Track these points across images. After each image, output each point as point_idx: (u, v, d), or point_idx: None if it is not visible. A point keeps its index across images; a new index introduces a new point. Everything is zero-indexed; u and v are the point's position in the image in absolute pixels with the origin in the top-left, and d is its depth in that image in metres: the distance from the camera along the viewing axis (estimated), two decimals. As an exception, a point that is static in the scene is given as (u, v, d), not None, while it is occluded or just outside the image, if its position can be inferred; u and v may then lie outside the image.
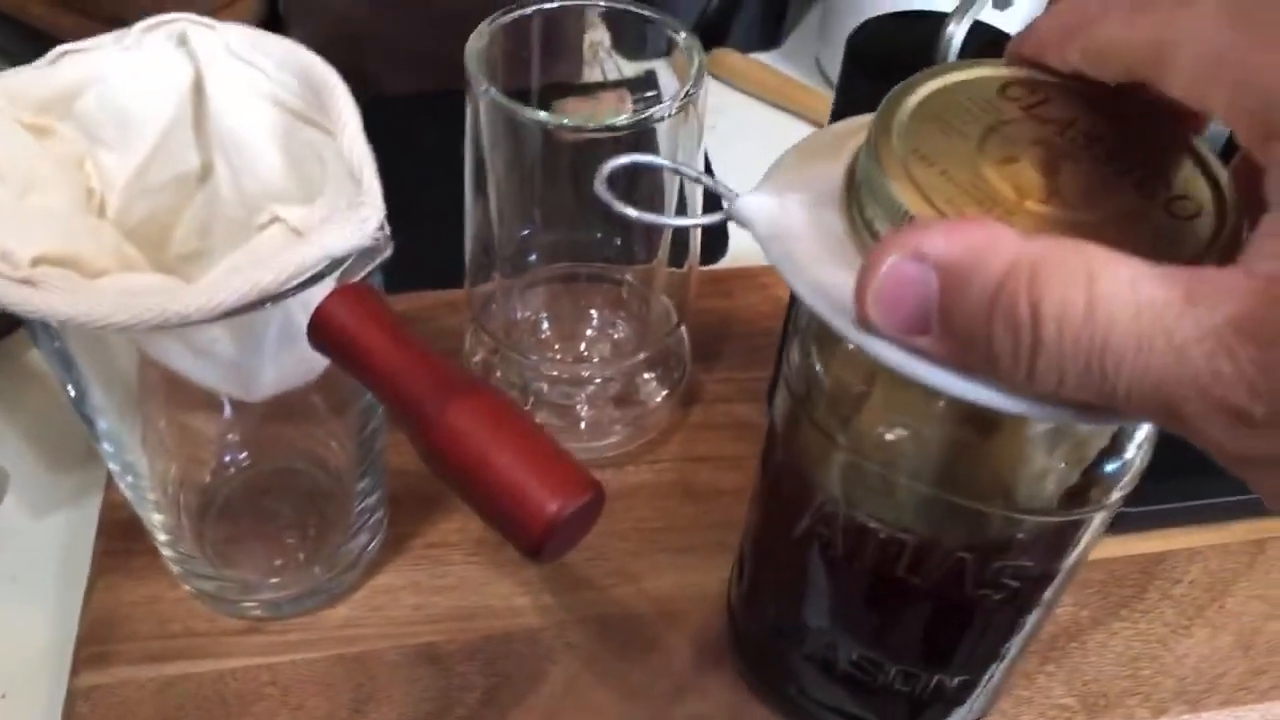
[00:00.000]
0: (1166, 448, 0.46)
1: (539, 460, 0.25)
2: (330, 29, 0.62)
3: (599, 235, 0.44)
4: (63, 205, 0.30)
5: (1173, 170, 0.24)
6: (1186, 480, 0.46)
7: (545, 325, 0.47)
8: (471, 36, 0.36)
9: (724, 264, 0.56)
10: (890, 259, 0.20)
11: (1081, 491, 0.28)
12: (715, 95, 0.69)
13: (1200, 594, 0.44)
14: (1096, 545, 0.44)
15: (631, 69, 0.71)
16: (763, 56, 0.72)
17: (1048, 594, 0.31)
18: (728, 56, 0.70)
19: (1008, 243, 0.19)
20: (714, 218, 0.26)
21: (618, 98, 0.57)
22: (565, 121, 0.36)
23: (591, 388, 0.47)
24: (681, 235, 0.43)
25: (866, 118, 0.30)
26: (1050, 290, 0.18)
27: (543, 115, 0.35)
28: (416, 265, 0.43)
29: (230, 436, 0.41)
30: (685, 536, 0.44)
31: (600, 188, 0.26)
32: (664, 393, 0.47)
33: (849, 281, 0.23)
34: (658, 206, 0.41)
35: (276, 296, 0.28)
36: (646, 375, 0.47)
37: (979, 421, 0.27)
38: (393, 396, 0.26)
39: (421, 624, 0.40)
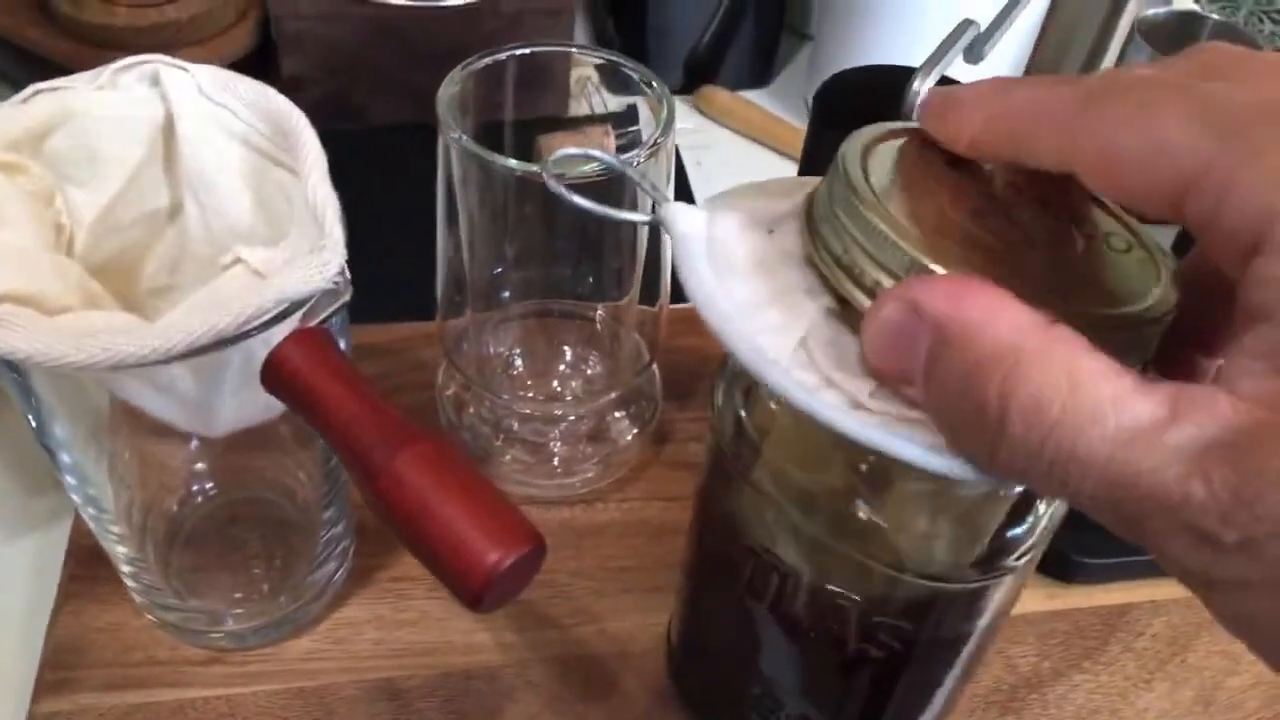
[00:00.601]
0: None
1: (481, 510, 0.25)
2: (321, 59, 0.63)
3: (571, 272, 0.44)
4: (28, 243, 0.30)
5: (1093, 215, 0.25)
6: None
7: (518, 362, 0.47)
8: (444, 82, 0.37)
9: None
10: (891, 306, 0.21)
11: (986, 561, 0.28)
12: (702, 132, 0.70)
13: (1162, 648, 0.44)
14: (1058, 597, 0.45)
15: (615, 103, 0.72)
16: (752, 94, 0.73)
17: (960, 656, 0.31)
18: (716, 94, 0.70)
19: (1005, 320, 0.19)
20: (644, 217, 0.28)
21: (602, 132, 0.58)
22: (534, 169, 0.36)
23: (564, 425, 0.47)
24: (653, 272, 0.43)
25: (817, 179, 0.30)
26: (1024, 386, 0.18)
27: (512, 163, 0.36)
28: (401, 294, 0.44)
29: (197, 466, 0.41)
30: (651, 576, 0.44)
31: (549, 178, 0.27)
32: (634, 431, 0.47)
33: (751, 293, 0.24)
34: (626, 237, 0.42)
35: (233, 339, 0.28)
36: (618, 414, 0.47)
37: (867, 473, 0.27)
38: (341, 442, 0.26)
39: (382, 658, 0.41)
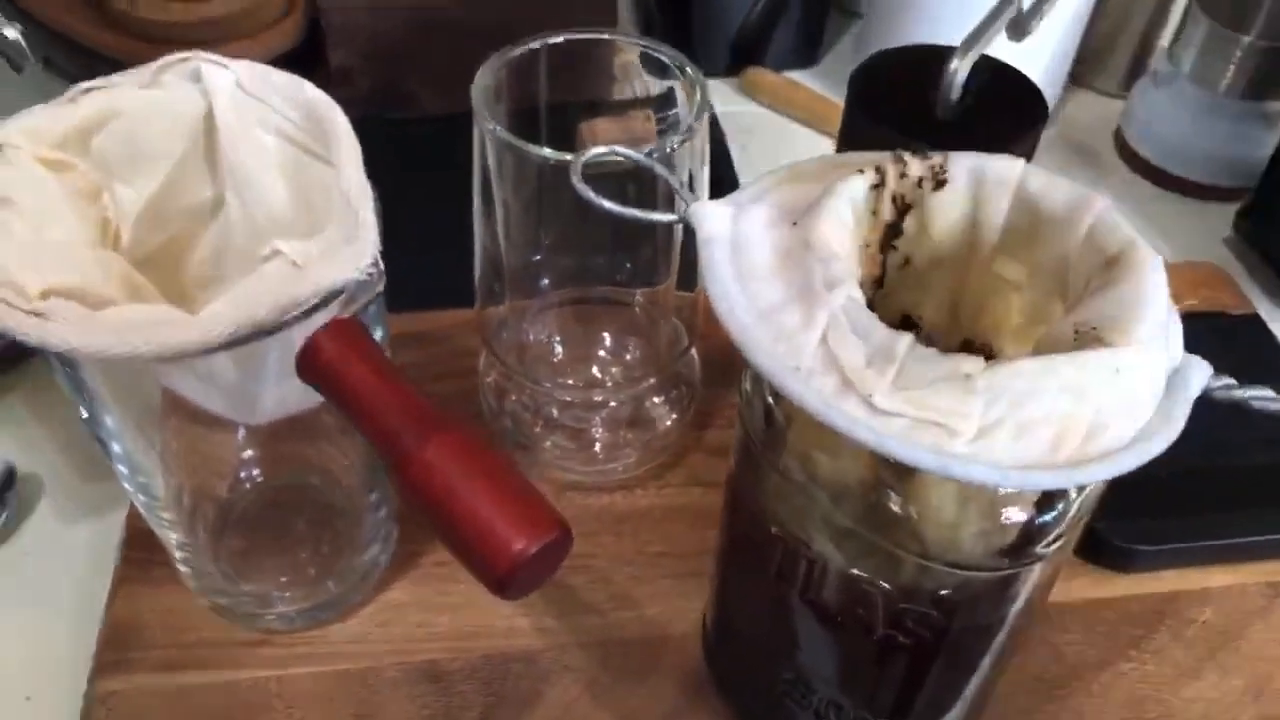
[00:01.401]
0: (1184, 485, 0.45)
1: (508, 498, 0.26)
2: (369, 50, 0.63)
3: (608, 259, 0.44)
4: (75, 238, 0.31)
5: None
6: (1203, 519, 0.45)
7: (558, 349, 0.47)
8: (479, 73, 0.37)
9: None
10: None
11: (1015, 549, 0.27)
12: (747, 114, 0.70)
13: (1213, 636, 0.43)
14: (1105, 584, 0.44)
15: (658, 86, 0.71)
16: (799, 75, 0.72)
17: (993, 645, 0.31)
18: (760, 75, 0.70)
19: None
20: (670, 217, 0.28)
21: (644, 117, 0.57)
22: (567, 157, 0.36)
23: (604, 411, 0.47)
24: (690, 257, 0.43)
25: (855, 155, 0.30)
26: None
27: (546, 151, 0.36)
28: (450, 280, 0.44)
29: (245, 454, 0.42)
30: (689, 562, 0.44)
31: (576, 178, 0.28)
32: (674, 416, 0.47)
33: (773, 295, 0.25)
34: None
35: (270, 330, 0.29)
36: (656, 399, 0.47)
37: (894, 462, 0.27)
38: (372, 430, 0.27)
39: (425, 641, 0.41)
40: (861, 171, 0.28)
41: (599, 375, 0.48)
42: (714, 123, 0.68)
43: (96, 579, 0.43)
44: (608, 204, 0.28)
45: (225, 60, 0.33)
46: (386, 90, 0.65)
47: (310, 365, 0.28)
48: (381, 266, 0.31)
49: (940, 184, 0.29)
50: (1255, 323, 0.53)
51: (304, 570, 0.42)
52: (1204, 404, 0.49)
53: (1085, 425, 0.24)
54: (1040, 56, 0.64)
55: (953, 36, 0.43)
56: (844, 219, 0.28)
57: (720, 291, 0.26)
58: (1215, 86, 0.61)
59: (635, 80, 0.63)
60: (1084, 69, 0.71)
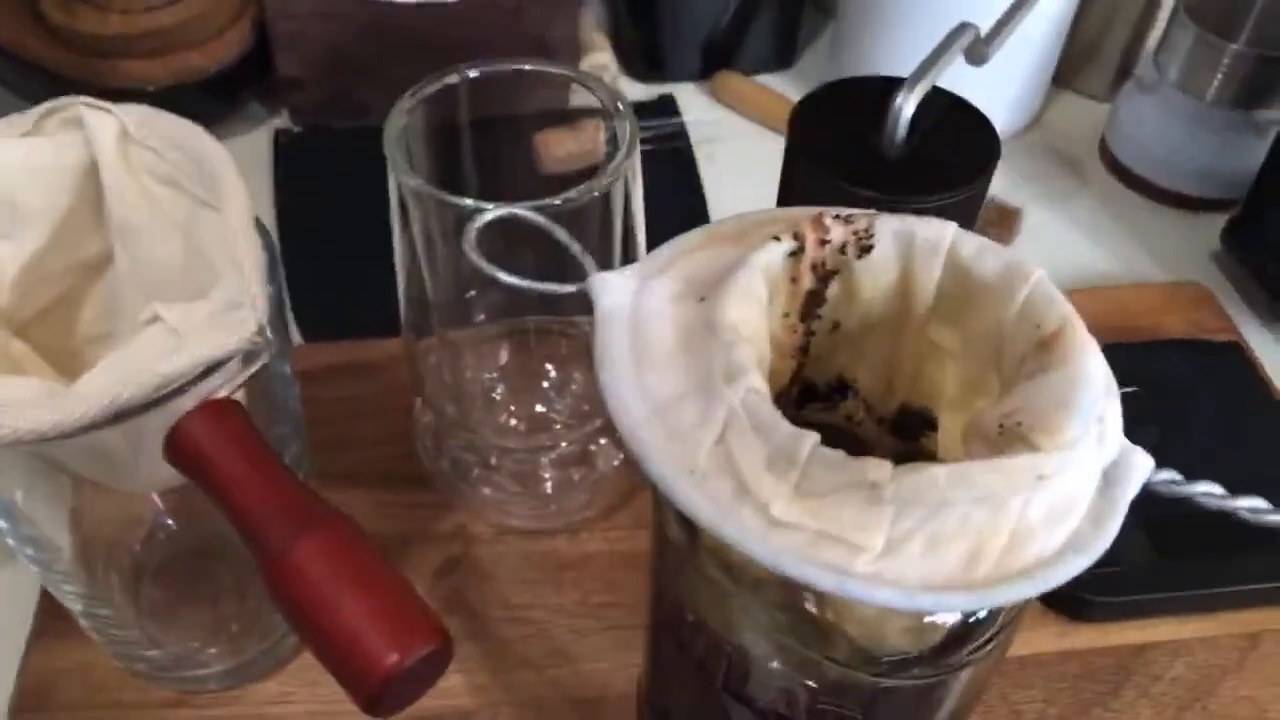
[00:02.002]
0: (1152, 533, 0.43)
1: (382, 606, 0.24)
2: (318, 58, 0.61)
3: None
4: (-60, 305, 0.29)
5: None
6: (1174, 565, 0.43)
7: (498, 388, 0.45)
8: (391, 114, 0.35)
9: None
10: None
11: (943, 650, 0.25)
12: (716, 122, 0.67)
13: (1182, 693, 0.41)
14: (1069, 636, 0.42)
15: (645, 92, 0.69)
16: (774, 78, 0.70)
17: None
18: (733, 80, 0.67)
19: None
20: (568, 288, 0.26)
21: (594, 127, 0.55)
22: (487, 208, 0.34)
23: (554, 453, 0.45)
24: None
25: (779, 212, 0.28)
26: None
27: (467, 202, 0.34)
28: (387, 303, 0.42)
29: (159, 503, 0.40)
30: (633, 613, 0.42)
31: (468, 248, 0.26)
32: (620, 455, 0.45)
33: (671, 386, 0.23)
34: (599, 249, 0.40)
35: (144, 407, 0.27)
36: (602, 440, 0.45)
37: None
38: (240, 525, 0.25)
39: (350, 701, 0.39)
40: (778, 239, 0.26)
41: (542, 411, 0.45)
42: (682, 131, 0.66)
43: (13, 634, 0.41)
44: (502, 274, 0.26)
45: (109, 106, 0.31)
46: (336, 100, 0.62)
47: (177, 450, 0.26)
48: (269, 335, 0.29)
49: (865, 250, 0.27)
50: (1235, 351, 0.51)
51: (226, 625, 0.40)
52: (1180, 437, 0.47)
53: (1005, 537, 0.22)
54: (1021, 58, 0.62)
55: (930, 36, 0.40)
56: (756, 293, 0.25)
57: (612, 384, 0.23)
58: (1202, 95, 0.58)
59: (598, 87, 0.61)
60: (1069, 70, 0.68)
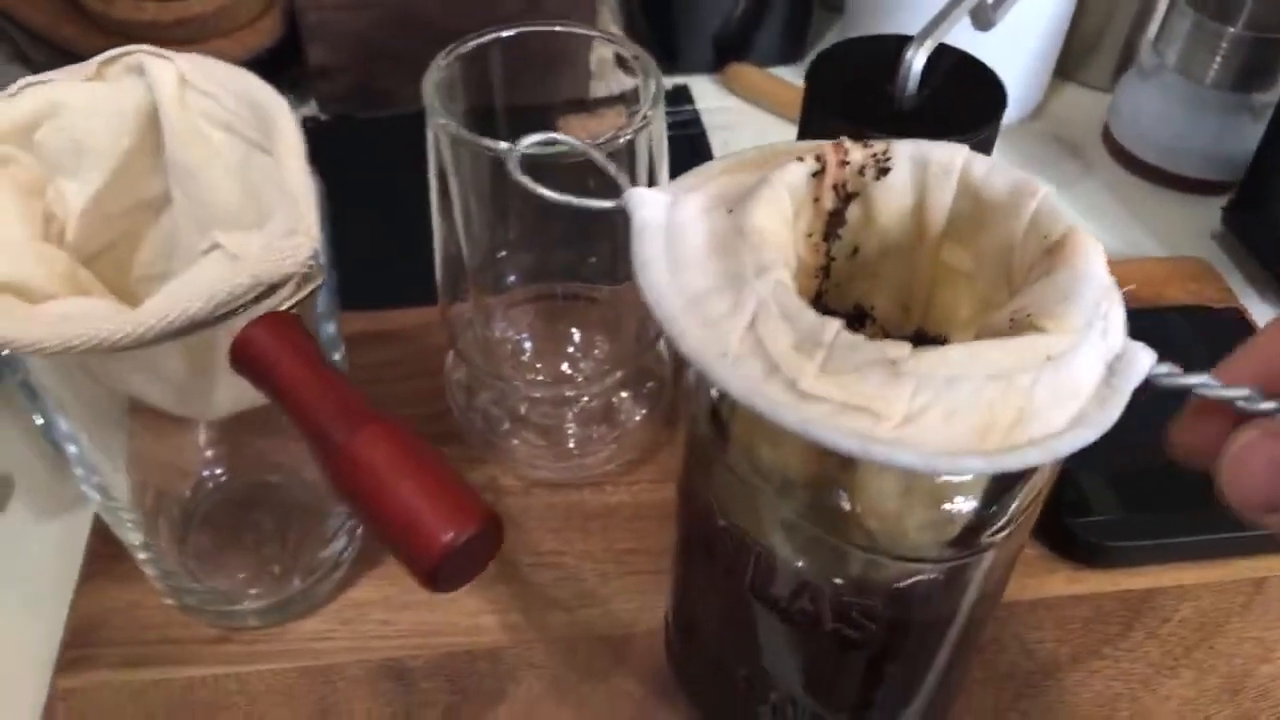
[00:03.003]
0: (1160, 479, 0.45)
1: (436, 490, 0.25)
2: (346, 48, 0.63)
3: (573, 254, 0.44)
4: (15, 232, 0.31)
5: None
6: (1180, 514, 0.44)
7: (525, 345, 0.47)
8: (429, 68, 0.37)
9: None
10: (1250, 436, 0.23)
11: (961, 540, 0.27)
12: (730, 111, 0.69)
13: (1189, 634, 0.42)
14: (1079, 581, 0.43)
15: (632, 83, 0.71)
16: (784, 70, 0.72)
17: (948, 637, 0.30)
18: (745, 71, 0.69)
19: None
20: (608, 204, 0.28)
21: (616, 113, 0.57)
22: (520, 149, 0.36)
23: (575, 408, 0.47)
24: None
25: (800, 144, 0.30)
26: None
27: (501, 145, 0.36)
28: (421, 275, 0.44)
29: (208, 453, 0.42)
30: (657, 559, 0.44)
31: (513, 166, 0.28)
32: (643, 411, 0.47)
33: (703, 282, 0.25)
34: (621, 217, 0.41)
35: (206, 323, 0.29)
36: (625, 393, 0.47)
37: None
38: (301, 422, 0.27)
39: (388, 638, 0.41)
40: (801, 159, 0.28)
41: (568, 371, 0.47)
42: (696, 119, 0.68)
43: (66, 576, 0.43)
44: (545, 191, 0.28)
45: (169, 53, 0.33)
46: (364, 88, 0.65)
47: (241, 357, 0.27)
48: (323, 259, 0.31)
49: (883, 172, 0.28)
50: (1236, 316, 0.52)
51: (269, 566, 0.42)
52: (1184, 395, 0.49)
53: (1014, 412, 0.23)
54: (1024, 50, 0.64)
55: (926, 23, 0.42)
56: (781, 206, 0.27)
57: (648, 279, 0.25)
58: (1201, 79, 0.60)
59: (611, 77, 0.63)
60: (1071, 63, 0.70)
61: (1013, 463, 0.23)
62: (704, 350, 0.24)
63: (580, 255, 0.44)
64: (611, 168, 0.29)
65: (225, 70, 0.33)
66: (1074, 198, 0.64)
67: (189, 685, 0.40)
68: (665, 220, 0.27)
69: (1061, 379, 0.24)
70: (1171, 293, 0.55)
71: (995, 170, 0.28)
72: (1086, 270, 0.25)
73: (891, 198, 0.29)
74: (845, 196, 0.29)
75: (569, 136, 0.29)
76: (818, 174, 0.28)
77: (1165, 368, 0.26)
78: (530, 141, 0.29)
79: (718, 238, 0.26)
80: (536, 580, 0.43)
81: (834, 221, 0.29)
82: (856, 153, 0.28)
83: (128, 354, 0.30)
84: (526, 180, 0.28)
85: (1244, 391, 0.26)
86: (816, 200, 0.29)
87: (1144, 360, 0.25)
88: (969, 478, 0.26)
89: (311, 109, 0.66)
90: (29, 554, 0.45)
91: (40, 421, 0.35)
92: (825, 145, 0.28)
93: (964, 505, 0.27)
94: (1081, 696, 0.40)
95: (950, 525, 0.27)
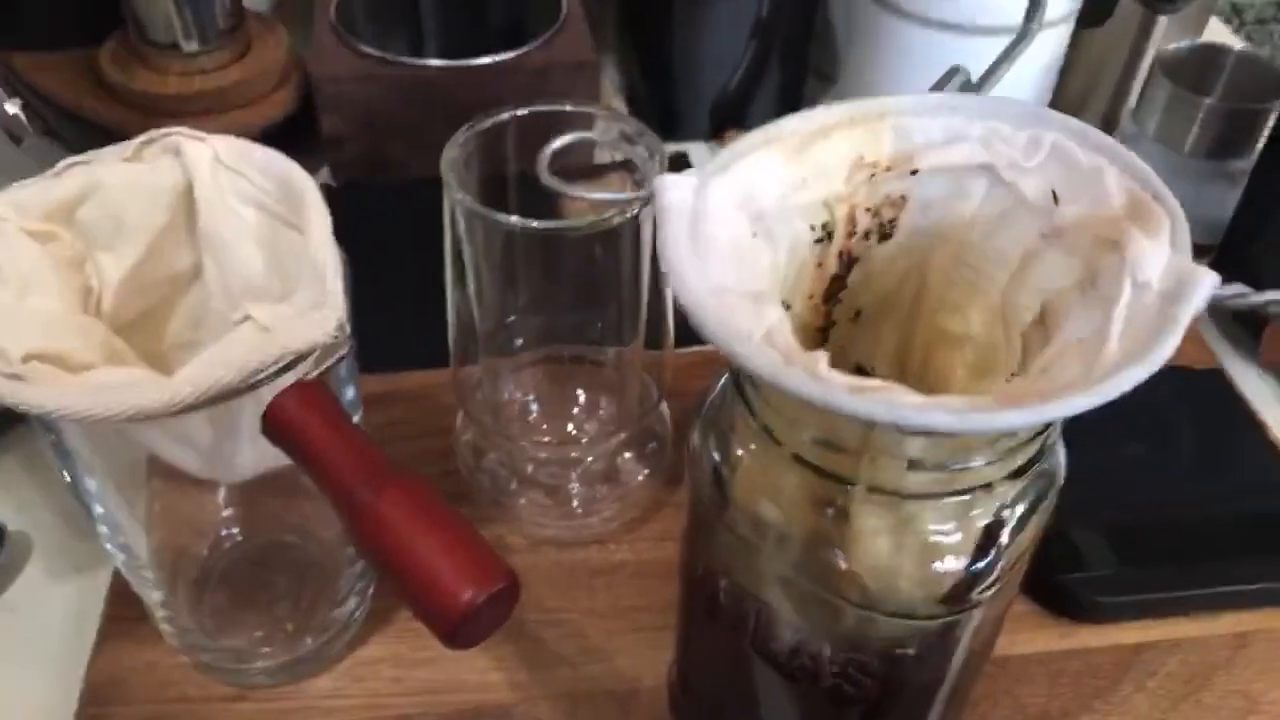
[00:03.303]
0: (1147, 536, 0.46)
1: (457, 549, 0.27)
2: (358, 118, 0.66)
3: (579, 318, 0.46)
4: (57, 305, 0.33)
5: None
6: (1167, 570, 0.46)
7: (532, 407, 0.49)
8: (448, 144, 0.39)
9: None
10: None
11: (952, 597, 0.28)
12: (727, 178, 0.71)
13: (1176, 687, 0.43)
14: (1070, 636, 0.44)
15: (633, 151, 0.73)
16: (779, 139, 0.74)
17: (940, 693, 0.32)
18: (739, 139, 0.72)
19: None
20: (631, 195, 0.29)
21: (620, 180, 0.59)
22: (533, 225, 0.38)
23: (580, 468, 0.49)
24: (657, 315, 0.45)
25: (841, 113, 0.30)
26: None
27: (513, 219, 0.38)
28: (431, 340, 0.45)
29: (225, 513, 0.43)
30: (661, 615, 0.45)
31: (542, 172, 0.30)
32: (646, 471, 0.48)
33: (724, 278, 0.25)
34: (628, 282, 0.43)
35: (238, 391, 0.30)
36: (628, 454, 0.48)
37: (833, 515, 0.28)
38: (329, 486, 0.28)
39: (399, 696, 0.42)
40: (811, 228, 0.29)
41: (573, 432, 0.49)
42: (695, 186, 0.70)
43: (83, 636, 0.44)
44: (575, 190, 0.30)
45: (204, 135, 0.35)
46: (375, 156, 0.67)
47: (273, 424, 0.29)
48: (348, 329, 0.32)
49: (886, 238, 0.30)
50: (1217, 376, 0.54)
51: (282, 625, 0.43)
52: (1168, 455, 0.50)
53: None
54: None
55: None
56: (778, 275, 0.28)
57: (675, 257, 0.25)
58: (1179, 147, 0.63)
59: (615, 145, 0.65)
60: (1056, 130, 0.73)
61: (1054, 412, 0.22)
62: (727, 332, 0.23)
63: (586, 320, 0.46)
64: (637, 156, 0.30)
65: (257, 151, 0.35)
66: (1060, 261, 0.66)
67: (205, 742, 0.41)
68: (691, 206, 0.26)
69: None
70: (1155, 354, 0.57)
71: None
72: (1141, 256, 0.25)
73: (891, 260, 0.30)
74: (849, 262, 0.30)
75: (588, 134, 0.31)
76: (822, 240, 0.30)
77: (1233, 288, 0.26)
78: (562, 141, 0.31)
79: (740, 245, 0.27)
80: (543, 637, 0.44)
81: (836, 285, 0.31)
82: (865, 220, 0.30)
83: (160, 421, 0.32)
84: (555, 181, 0.30)
85: None
86: (820, 265, 0.30)
87: (1206, 284, 0.24)
88: (958, 538, 0.28)
89: (324, 176, 0.69)
90: (46, 613, 0.46)
91: (68, 479, 0.36)
92: (837, 212, 0.29)
93: (954, 565, 0.28)
94: (1074, 750, 0.42)
95: (939, 583, 0.28)
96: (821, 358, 0.23)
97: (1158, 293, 0.24)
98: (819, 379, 0.23)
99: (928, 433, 0.23)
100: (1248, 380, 0.56)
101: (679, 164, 0.74)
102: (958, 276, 0.30)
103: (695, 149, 0.73)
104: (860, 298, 0.31)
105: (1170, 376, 0.54)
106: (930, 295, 0.31)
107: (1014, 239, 0.29)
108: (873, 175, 0.29)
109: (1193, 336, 0.58)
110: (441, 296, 0.44)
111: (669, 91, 0.73)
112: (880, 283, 0.30)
